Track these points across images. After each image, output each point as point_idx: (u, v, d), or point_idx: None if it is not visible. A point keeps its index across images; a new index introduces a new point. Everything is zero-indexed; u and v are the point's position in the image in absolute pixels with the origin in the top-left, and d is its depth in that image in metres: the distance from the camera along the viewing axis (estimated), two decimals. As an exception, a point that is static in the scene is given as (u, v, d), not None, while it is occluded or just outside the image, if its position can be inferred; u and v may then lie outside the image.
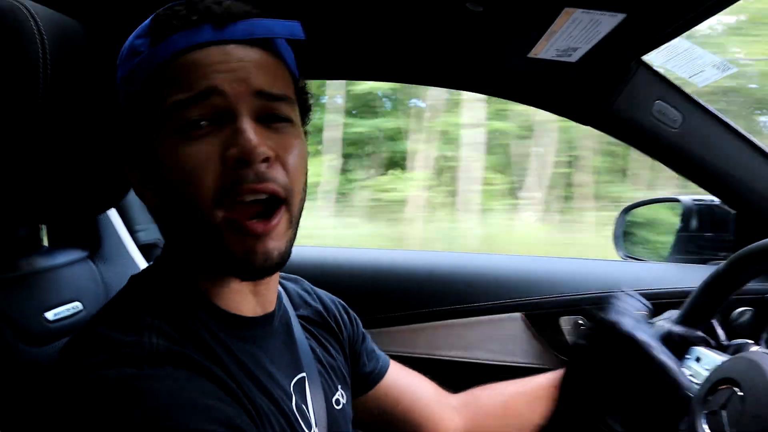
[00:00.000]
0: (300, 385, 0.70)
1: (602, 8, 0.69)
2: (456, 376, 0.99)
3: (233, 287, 0.65)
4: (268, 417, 0.61)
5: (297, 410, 0.67)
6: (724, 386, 0.75)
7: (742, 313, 1.20)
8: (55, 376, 0.55)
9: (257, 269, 0.58)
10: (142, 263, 1.09)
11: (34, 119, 0.65)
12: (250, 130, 0.56)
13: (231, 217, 0.57)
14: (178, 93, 0.56)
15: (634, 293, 0.86)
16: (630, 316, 0.78)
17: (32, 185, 0.69)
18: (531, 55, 0.87)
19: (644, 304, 0.88)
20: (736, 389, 0.73)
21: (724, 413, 0.73)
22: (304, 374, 0.72)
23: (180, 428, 0.49)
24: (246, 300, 0.67)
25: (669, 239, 1.47)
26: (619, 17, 0.71)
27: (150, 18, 0.61)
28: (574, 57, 0.87)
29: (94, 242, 1.00)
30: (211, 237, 0.57)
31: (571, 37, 0.79)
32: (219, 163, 0.56)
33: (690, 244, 1.40)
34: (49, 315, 0.80)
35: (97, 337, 0.56)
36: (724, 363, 0.80)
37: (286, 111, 0.60)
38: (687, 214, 1.39)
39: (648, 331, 0.77)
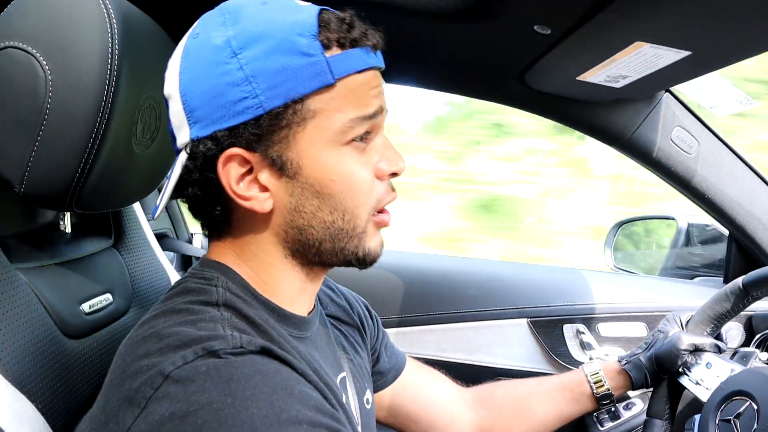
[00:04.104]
0: (343, 385, 0.71)
1: (671, 45, 0.72)
2: (462, 378, 1.01)
3: (297, 288, 0.65)
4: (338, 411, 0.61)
5: (348, 408, 0.68)
6: (738, 397, 0.81)
7: (729, 328, 1.29)
8: (129, 381, 0.52)
9: (378, 259, 0.66)
10: (161, 255, 1.06)
11: (97, 106, 0.63)
12: (394, 146, 0.63)
13: (375, 219, 0.63)
14: (357, 110, 0.59)
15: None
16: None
17: (83, 173, 0.66)
18: (580, 77, 0.89)
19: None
20: (750, 402, 0.79)
21: (737, 423, 0.79)
22: (345, 374, 0.73)
23: (280, 414, 0.48)
24: (303, 300, 0.67)
25: (660, 254, 1.55)
26: (683, 54, 0.74)
27: (316, 20, 0.57)
28: (620, 84, 0.90)
29: (117, 231, 0.97)
30: (355, 239, 0.63)
31: (627, 66, 0.82)
32: (374, 175, 0.62)
33: (681, 260, 1.48)
34: (85, 307, 0.77)
35: (170, 335, 0.53)
36: (738, 374, 0.86)
37: None
38: (680, 231, 1.47)
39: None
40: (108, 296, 0.83)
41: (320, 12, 0.58)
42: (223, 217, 0.62)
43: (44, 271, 0.75)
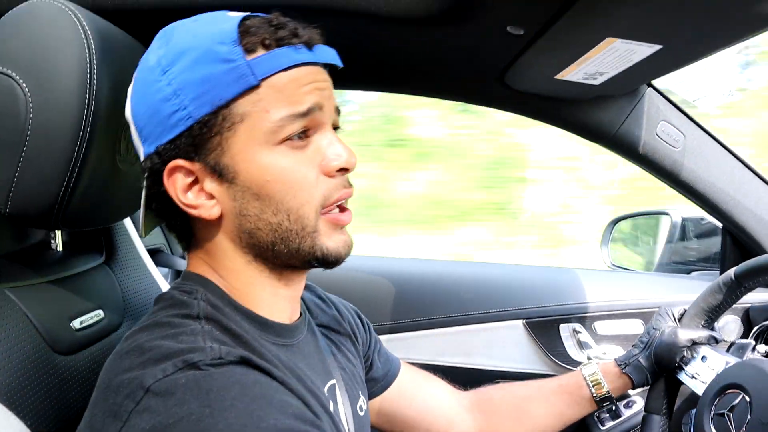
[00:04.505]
0: (332, 392, 0.72)
1: (642, 39, 0.73)
2: (460, 382, 1.01)
3: (271, 293, 0.66)
4: (321, 418, 0.62)
5: (336, 415, 0.68)
6: (731, 391, 0.81)
7: (726, 321, 1.28)
8: (113, 395, 0.53)
9: (344, 258, 0.65)
10: (154, 270, 1.07)
11: (78, 125, 0.64)
12: (343, 142, 0.63)
13: (328, 218, 0.63)
14: (287, 108, 0.59)
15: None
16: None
17: (67, 191, 0.67)
18: (558, 77, 0.90)
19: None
20: (743, 395, 0.79)
21: (731, 417, 0.79)
22: (334, 381, 0.73)
23: (258, 423, 0.49)
24: (282, 306, 0.68)
25: (656, 250, 1.54)
26: (655, 48, 0.75)
27: (237, 27, 0.58)
28: (599, 81, 0.91)
29: (109, 247, 0.98)
30: (308, 238, 0.62)
31: (602, 63, 0.82)
32: (320, 172, 0.62)
33: (677, 255, 1.48)
34: (75, 323, 0.78)
35: (151, 349, 0.55)
36: (731, 367, 0.85)
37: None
38: (675, 226, 1.47)
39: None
40: (99, 312, 0.84)
41: (243, 19, 0.59)
42: (183, 228, 0.65)
43: (34, 289, 0.75)
